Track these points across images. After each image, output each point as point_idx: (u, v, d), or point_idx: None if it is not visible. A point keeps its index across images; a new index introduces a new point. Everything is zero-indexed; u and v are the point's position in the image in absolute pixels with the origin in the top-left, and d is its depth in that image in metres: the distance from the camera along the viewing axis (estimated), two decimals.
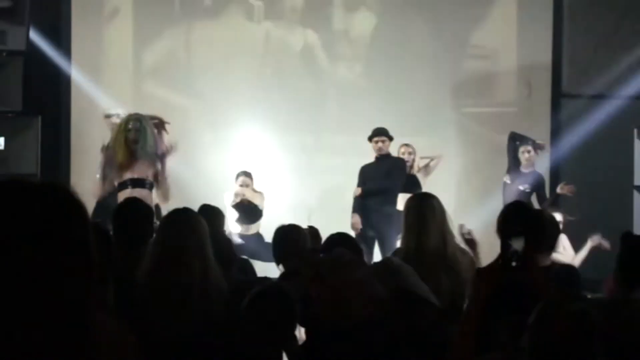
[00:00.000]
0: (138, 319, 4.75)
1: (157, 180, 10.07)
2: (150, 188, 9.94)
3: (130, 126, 9.99)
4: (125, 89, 12.92)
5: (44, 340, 1.84)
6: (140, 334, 4.42)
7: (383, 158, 11.48)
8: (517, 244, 3.91)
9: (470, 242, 6.56)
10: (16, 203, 1.89)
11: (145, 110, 10.45)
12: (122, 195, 9.55)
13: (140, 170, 9.90)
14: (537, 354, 3.63)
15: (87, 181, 10.41)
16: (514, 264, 3.90)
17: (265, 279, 6.03)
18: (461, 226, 6.70)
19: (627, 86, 12.60)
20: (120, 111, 10.70)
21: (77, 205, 1.95)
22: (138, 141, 9.92)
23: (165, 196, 10.09)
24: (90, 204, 9.78)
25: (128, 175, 9.86)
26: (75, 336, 1.89)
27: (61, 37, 12.66)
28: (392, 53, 13.13)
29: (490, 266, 4.00)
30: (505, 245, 3.94)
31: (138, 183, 9.84)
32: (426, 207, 6.13)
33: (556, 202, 11.27)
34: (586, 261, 9.96)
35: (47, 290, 1.85)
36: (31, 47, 11.46)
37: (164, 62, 13.14)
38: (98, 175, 10.13)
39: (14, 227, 1.85)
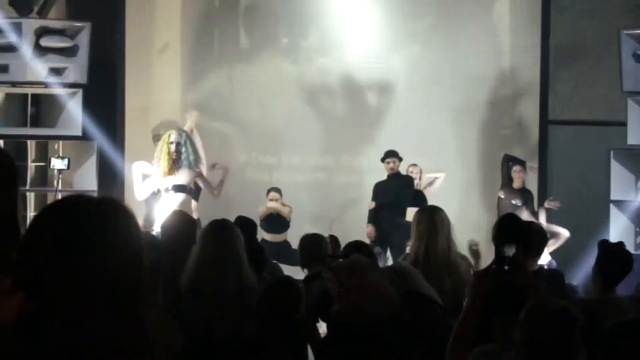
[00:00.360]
0: (182, 317, 4.76)
1: (204, 181, 10.38)
2: (190, 193, 10.12)
3: (172, 139, 10.16)
4: (172, 114, 12.93)
5: (105, 331, 1.86)
6: (185, 330, 4.44)
7: (394, 176, 11.54)
8: (509, 251, 3.91)
9: (476, 253, 6.55)
10: (81, 215, 1.91)
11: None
12: (165, 199, 9.79)
13: (182, 178, 10.09)
14: (526, 346, 3.64)
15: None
16: (506, 268, 3.90)
17: None
18: (471, 240, 6.68)
19: (604, 114, 12.62)
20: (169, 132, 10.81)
21: (130, 217, 1.98)
22: (180, 152, 10.11)
23: (219, 193, 10.58)
24: (140, 216, 9.84)
25: (171, 182, 10.04)
26: (132, 330, 1.90)
27: (117, 70, 12.70)
28: (399, 83, 13.13)
29: (486, 270, 4.00)
30: (499, 252, 3.93)
31: (179, 189, 10.03)
32: (435, 218, 6.15)
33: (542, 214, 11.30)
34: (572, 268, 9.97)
35: (107, 289, 1.87)
36: (90, 79, 11.51)
37: (208, 89, 13.15)
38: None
39: (79, 235, 1.87)
